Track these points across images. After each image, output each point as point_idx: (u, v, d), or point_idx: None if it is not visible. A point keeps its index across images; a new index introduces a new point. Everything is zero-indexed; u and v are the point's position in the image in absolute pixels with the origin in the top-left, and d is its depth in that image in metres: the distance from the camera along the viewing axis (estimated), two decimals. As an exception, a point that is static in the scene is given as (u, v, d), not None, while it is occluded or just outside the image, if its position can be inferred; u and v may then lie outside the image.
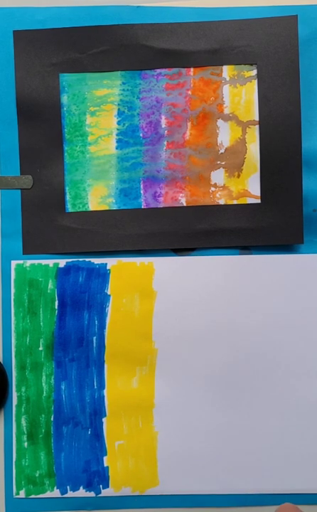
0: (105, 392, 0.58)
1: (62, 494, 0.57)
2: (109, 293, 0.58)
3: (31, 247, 0.58)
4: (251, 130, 0.57)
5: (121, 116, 0.57)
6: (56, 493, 0.57)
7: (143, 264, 0.57)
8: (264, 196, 0.57)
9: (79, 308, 0.58)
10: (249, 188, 0.57)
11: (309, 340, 0.57)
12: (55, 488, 0.57)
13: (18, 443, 0.58)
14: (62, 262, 0.58)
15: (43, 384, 0.58)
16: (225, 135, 0.57)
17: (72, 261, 0.58)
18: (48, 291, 0.58)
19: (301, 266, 0.57)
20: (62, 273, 0.58)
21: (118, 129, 0.58)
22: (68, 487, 0.57)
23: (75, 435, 0.58)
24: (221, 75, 0.57)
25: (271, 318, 0.57)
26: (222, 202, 0.57)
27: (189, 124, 0.57)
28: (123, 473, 0.57)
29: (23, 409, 0.58)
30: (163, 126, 0.57)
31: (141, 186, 0.58)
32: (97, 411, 0.58)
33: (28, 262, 0.58)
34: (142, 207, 0.58)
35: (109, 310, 0.58)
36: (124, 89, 0.57)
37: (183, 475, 0.57)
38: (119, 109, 0.57)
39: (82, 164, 0.58)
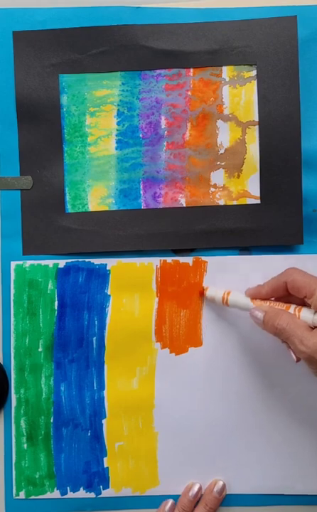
0: (105, 393, 0.57)
1: (62, 495, 0.57)
2: (109, 293, 0.58)
3: (31, 247, 0.58)
4: (250, 131, 0.57)
5: (121, 116, 0.57)
6: (56, 494, 0.57)
7: (143, 264, 0.57)
8: (263, 197, 0.57)
9: (79, 309, 0.58)
10: (249, 188, 0.57)
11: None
12: (55, 489, 0.57)
13: (17, 444, 0.57)
14: (62, 263, 0.58)
15: (43, 385, 0.58)
16: (225, 136, 0.57)
17: (72, 261, 0.58)
18: (48, 291, 0.58)
19: (301, 266, 0.57)
20: (62, 273, 0.58)
21: (118, 130, 0.58)
22: (68, 488, 0.57)
23: (75, 436, 0.57)
24: (221, 75, 0.57)
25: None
26: (221, 202, 0.57)
27: (189, 124, 0.57)
28: (123, 474, 0.57)
29: (22, 411, 0.57)
30: (163, 126, 0.57)
31: (141, 187, 0.58)
32: (97, 412, 0.57)
33: (28, 263, 0.58)
34: (142, 207, 0.58)
35: (109, 310, 0.57)
36: (123, 90, 0.57)
37: (183, 475, 0.57)
38: (118, 110, 0.57)
39: (81, 165, 0.58)
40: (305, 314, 0.49)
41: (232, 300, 0.54)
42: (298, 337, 0.47)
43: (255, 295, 0.53)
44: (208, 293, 0.56)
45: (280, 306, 0.51)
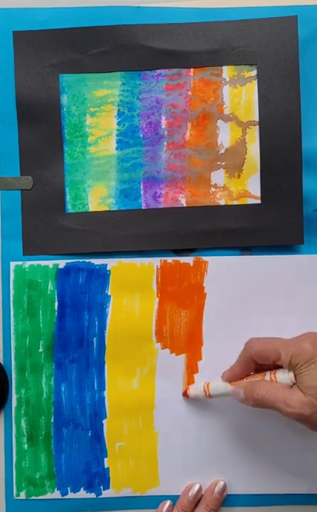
0: (105, 393, 0.57)
1: (62, 495, 0.57)
2: (109, 294, 0.57)
3: (31, 247, 0.58)
4: (251, 130, 0.57)
5: (121, 116, 0.57)
6: (57, 494, 0.57)
7: (143, 264, 0.57)
8: (264, 196, 0.57)
9: (80, 309, 0.57)
10: (250, 188, 0.57)
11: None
12: (56, 489, 0.57)
13: (18, 445, 0.57)
14: (62, 263, 0.57)
15: (43, 385, 0.58)
16: (225, 135, 0.57)
17: (72, 262, 0.57)
18: (48, 292, 0.58)
19: (301, 266, 0.57)
20: (62, 274, 0.57)
21: (118, 130, 0.57)
22: (69, 488, 0.57)
23: (76, 437, 0.57)
24: (221, 75, 0.57)
25: (270, 318, 0.57)
26: (222, 202, 0.57)
27: (189, 124, 0.57)
28: (123, 474, 0.57)
29: (22, 411, 0.57)
30: (163, 126, 0.57)
31: (141, 187, 0.58)
32: (98, 412, 0.57)
33: (27, 263, 0.57)
34: (142, 207, 0.57)
35: (110, 311, 0.57)
36: (123, 90, 0.57)
37: (184, 475, 0.57)
38: (118, 110, 0.57)
39: (82, 165, 0.58)
40: (281, 376, 0.49)
41: (213, 390, 0.54)
42: (281, 400, 0.47)
43: (231, 377, 0.53)
44: (190, 392, 0.56)
45: (256, 377, 0.51)
